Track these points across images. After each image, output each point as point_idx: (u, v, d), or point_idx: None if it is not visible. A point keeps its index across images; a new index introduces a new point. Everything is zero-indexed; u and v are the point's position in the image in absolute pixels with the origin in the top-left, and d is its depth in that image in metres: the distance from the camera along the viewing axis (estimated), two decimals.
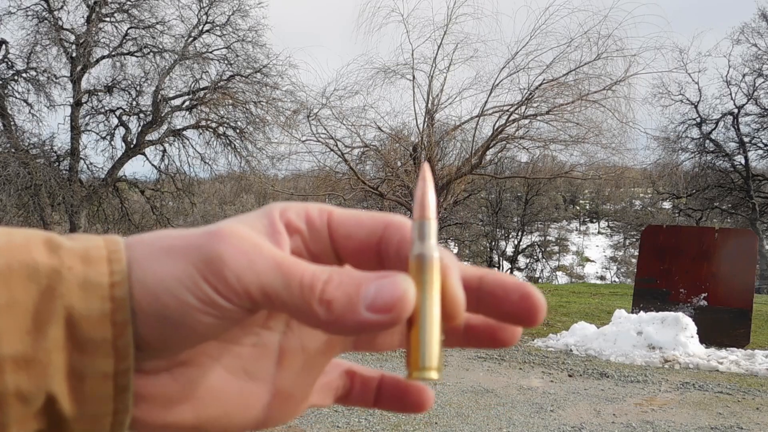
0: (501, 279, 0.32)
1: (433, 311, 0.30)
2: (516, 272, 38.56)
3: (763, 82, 22.66)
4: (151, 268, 0.29)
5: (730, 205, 24.61)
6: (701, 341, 8.16)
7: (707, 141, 23.71)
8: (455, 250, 36.69)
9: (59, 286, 0.28)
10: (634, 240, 40.85)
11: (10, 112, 17.79)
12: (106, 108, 19.33)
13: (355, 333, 0.29)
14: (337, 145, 18.15)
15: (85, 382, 0.28)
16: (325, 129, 18.02)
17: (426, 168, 0.32)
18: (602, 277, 46.34)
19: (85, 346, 0.28)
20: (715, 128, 23.70)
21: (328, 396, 0.39)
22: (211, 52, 19.42)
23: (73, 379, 0.28)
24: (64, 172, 18.60)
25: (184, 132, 19.68)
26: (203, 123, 19.50)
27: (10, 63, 18.23)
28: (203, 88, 19.21)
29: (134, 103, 19.26)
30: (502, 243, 37.73)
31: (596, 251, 53.00)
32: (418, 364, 0.30)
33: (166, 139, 19.51)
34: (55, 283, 0.28)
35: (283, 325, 0.35)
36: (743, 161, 23.51)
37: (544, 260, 41.69)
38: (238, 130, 19.59)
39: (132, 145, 19.09)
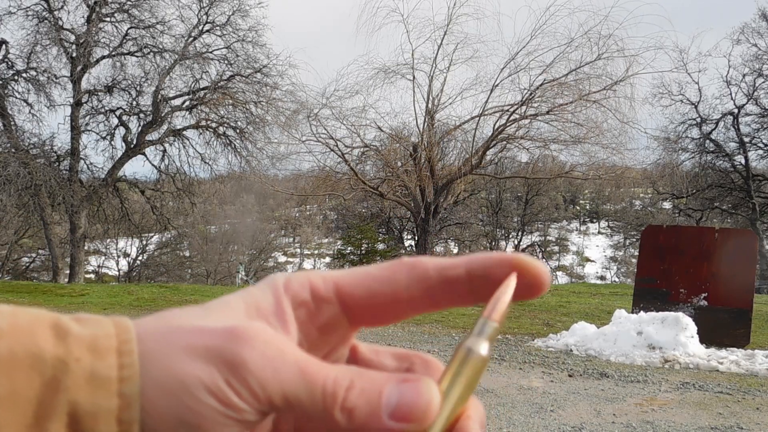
0: (484, 260, 0.31)
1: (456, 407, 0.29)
2: None
3: (763, 82, 22.68)
4: (168, 367, 0.27)
5: (730, 205, 24.61)
6: (701, 341, 8.16)
7: (707, 141, 23.71)
8: (455, 250, 36.72)
9: (65, 379, 0.26)
10: (634, 240, 40.86)
11: (10, 112, 17.81)
12: (106, 108, 19.35)
13: None
14: (337, 145, 18.16)
15: None
16: (325, 129, 18.04)
17: (513, 278, 0.31)
18: (602, 277, 46.36)
19: None
20: (715, 128, 23.72)
21: None
22: (211, 52, 19.42)
23: None
24: (64, 172, 18.61)
25: (184, 132, 19.68)
26: (203, 123, 19.51)
27: (10, 63, 18.24)
28: (203, 88, 19.21)
29: (134, 103, 19.27)
30: (502, 243, 37.74)
31: (596, 251, 53.02)
32: None
33: (166, 139, 19.51)
34: (61, 375, 0.26)
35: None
36: (743, 161, 23.52)
37: (544, 260, 41.69)
38: (238, 130, 19.59)
39: (132, 145, 19.09)
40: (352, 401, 0.28)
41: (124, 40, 18.85)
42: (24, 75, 18.26)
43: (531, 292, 0.31)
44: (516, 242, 38.09)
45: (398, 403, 0.28)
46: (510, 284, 0.31)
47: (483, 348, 0.29)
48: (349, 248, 26.54)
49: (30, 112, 18.33)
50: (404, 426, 0.28)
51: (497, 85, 17.69)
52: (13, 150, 16.94)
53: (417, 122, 18.26)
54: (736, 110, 23.22)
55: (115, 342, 0.27)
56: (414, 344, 8.37)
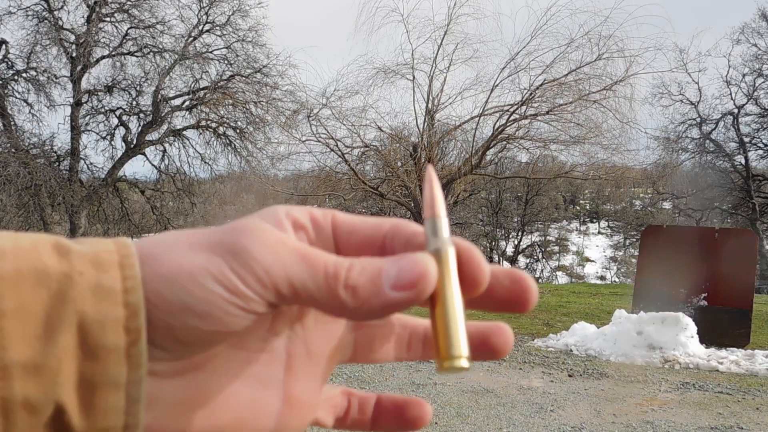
0: (491, 269, 0.32)
1: (454, 298, 0.30)
2: None
3: (763, 82, 22.66)
4: (174, 261, 0.28)
5: (730, 205, 24.59)
6: (701, 341, 8.16)
7: (707, 141, 23.70)
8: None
9: (71, 291, 0.27)
10: (634, 240, 40.83)
11: (10, 112, 17.78)
12: (106, 108, 19.33)
13: (382, 315, 0.30)
14: (337, 145, 18.15)
15: (96, 393, 0.27)
16: (326, 129, 18.02)
17: (431, 169, 0.33)
18: (602, 277, 46.29)
19: (97, 354, 0.27)
20: (715, 128, 23.70)
21: (329, 413, 0.39)
22: (211, 52, 19.41)
23: (84, 388, 0.27)
24: (64, 172, 18.60)
25: (184, 132, 19.68)
26: (203, 123, 19.50)
27: (10, 63, 18.22)
28: (203, 88, 19.20)
29: (134, 103, 19.26)
30: (502, 243, 37.73)
31: (596, 251, 52.95)
32: (447, 353, 0.30)
33: (166, 139, 19.51)
34: (67, 288, 0.27)
35: (288, 329, 0.34)
36: (743, 161, 23.51)
37: (544, 260, 41.67)
38: (238, 130, 19.59)
39: (132, 145, 19.08)
40: (354, 278, 0.29)
41: (124, 40, 18.84)
42: (24, 75, 18.24)
43: (519, 305, 0.33)
44: (516, 242, 38.07)
45: (398, 273, 0.29)
46: (432, 178, 0.33)
47: (447, 244, 0.31)
48: None
49: (30, 112, 18.31)
50: (406, 294, 0.29)
51: (497, 85, 17.67)
52: (13, 150, 16.93)
53: (417, 122, 18.25)
54: (736, 110, 23.21)
55: (117, 257, 0.28)
56: None
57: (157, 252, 0.29)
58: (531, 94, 17.06)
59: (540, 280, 38.32)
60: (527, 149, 18.44)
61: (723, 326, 8.95)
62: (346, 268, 0.29)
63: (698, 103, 23.36)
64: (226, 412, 0.32)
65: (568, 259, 51.20)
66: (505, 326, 0.35)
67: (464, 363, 0.30)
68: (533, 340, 9.04)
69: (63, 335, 0.26)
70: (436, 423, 5.13)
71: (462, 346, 0.30)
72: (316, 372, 0.35)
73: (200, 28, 19.24)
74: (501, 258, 36.82)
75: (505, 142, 18.08)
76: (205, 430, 0.31)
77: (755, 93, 22.86)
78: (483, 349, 0.35)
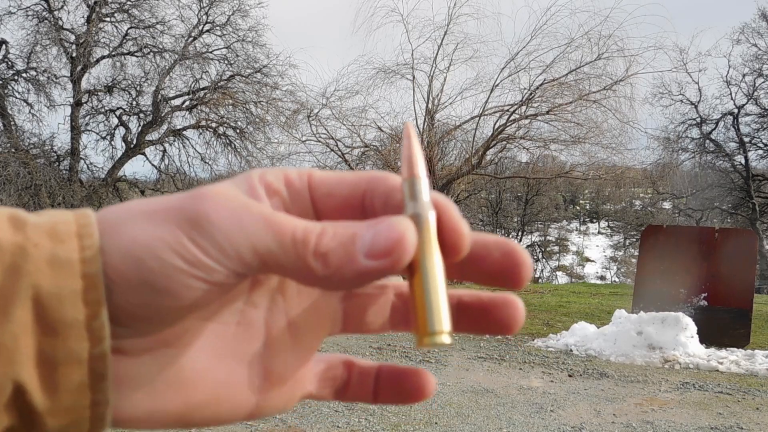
0: (482, 238, 0.30)
1: (435, 268, 0.28)
2: None
3: (763, 82, 22.67)
4: (131, 233, 0.26)
5: (730, 205, 24.60)
6: (701, 341, 8.16)
7: (707, 141, 23.70)
8: None
9: (25, 264, 0.25)
10: (634, 240, 40.82)
11: (10, 112, 17.78)
12: (106, 108, 19.33)
13: (356, 285, 0.27)
14: (337, 145, 18.17)
15: (57, 370, 0.25)
16: (326, 129, 18.04)
17: (409, 126, 0.31)
18: (602, 277, 46.30)
19: (56, 328, 0.25)
20: (715, 128, 23.70)
21: (326, 387, 0.36)
22: (211, 52, 19.42)
23: (44, 366, 0.25)
24: (64, 172, 18.60)
25: (184, 132, 19.68)
26: (203, 123, 19.51)
27: (10, 63, 18.22)
28: (203, 88, 19.21)
29: (134, 103, 19.26)
30: None
31: (596, 251, 52.96)
32: (427, 329, 0.28)
33: (166, 139, 19.51)
34: (21, 261, 0.25)
35: (268, 301, 0.32)
36: (743, 161, 23.51)
37: (544, 260, 41.68)
38: (238, 130, 19.60)
39: (132, 145, 19.09)
40: (325, 245, 0.27)
41: (124, 40, 18.84)
42: (24, 75, 18.24)
43: (510, 280, 0.30)
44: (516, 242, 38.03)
45: (373, 239, 0.27)
46: (411, 136, 0.30)
47: (427, 208, 0.28)
48: None
49: (30, 112, 18.31)
50: (382, 263, 0.26)
51: (497, 85, 17.69)
52: (13, 150, 16.94)
53: (417, 122, 18.25)
54: (736, 110, 23.21)
55: (75, 227, 0.26)
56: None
57: (115, 222, 0.27)
58: (531, 94, 17.07)
59: (540, 280, 38.32)
60: (527, 149, 18.46)
61: (723, 326, 8.95)
62: (317, 233, 0.27)
63: (698, 103, 23.38)
64: (200, 389, 0.30)
65: (568, 259, 51.21)
66: (513, 299, 0.32)
67: (445, 339, 0.27)
68: (533, 340, 9.04)
69: (18, 310, 0.25)
70: (436, 423, 5.13)
71: (443, 321, 0.28)
72: (301, 345, 0.33)
73: (200, 28, 19.25)
74: None
75: (505, 142, 18.09)
76: (178, 409, 0.30)
77: (755, 93, 22.87)
78: (486, 322, 0.32)
